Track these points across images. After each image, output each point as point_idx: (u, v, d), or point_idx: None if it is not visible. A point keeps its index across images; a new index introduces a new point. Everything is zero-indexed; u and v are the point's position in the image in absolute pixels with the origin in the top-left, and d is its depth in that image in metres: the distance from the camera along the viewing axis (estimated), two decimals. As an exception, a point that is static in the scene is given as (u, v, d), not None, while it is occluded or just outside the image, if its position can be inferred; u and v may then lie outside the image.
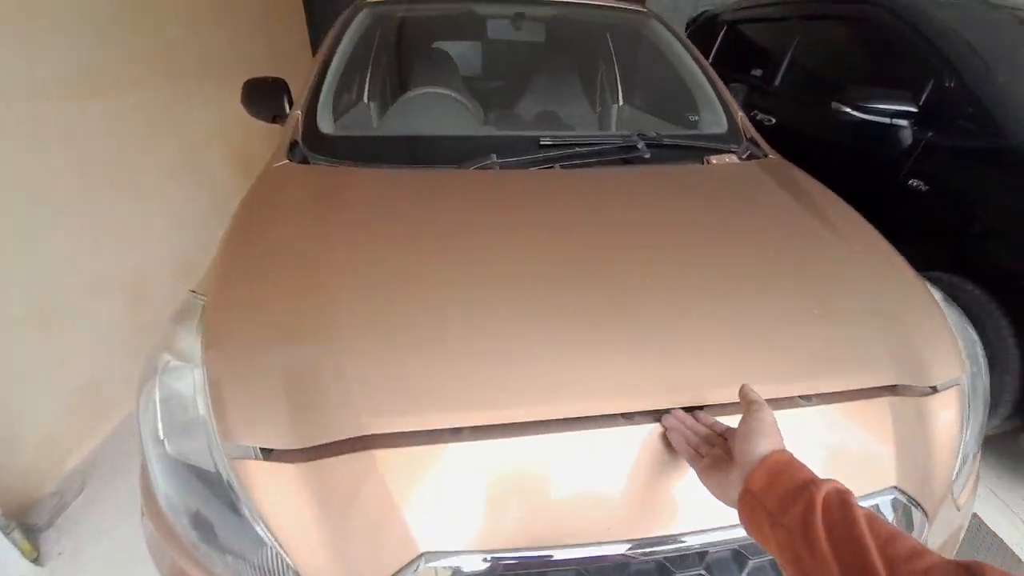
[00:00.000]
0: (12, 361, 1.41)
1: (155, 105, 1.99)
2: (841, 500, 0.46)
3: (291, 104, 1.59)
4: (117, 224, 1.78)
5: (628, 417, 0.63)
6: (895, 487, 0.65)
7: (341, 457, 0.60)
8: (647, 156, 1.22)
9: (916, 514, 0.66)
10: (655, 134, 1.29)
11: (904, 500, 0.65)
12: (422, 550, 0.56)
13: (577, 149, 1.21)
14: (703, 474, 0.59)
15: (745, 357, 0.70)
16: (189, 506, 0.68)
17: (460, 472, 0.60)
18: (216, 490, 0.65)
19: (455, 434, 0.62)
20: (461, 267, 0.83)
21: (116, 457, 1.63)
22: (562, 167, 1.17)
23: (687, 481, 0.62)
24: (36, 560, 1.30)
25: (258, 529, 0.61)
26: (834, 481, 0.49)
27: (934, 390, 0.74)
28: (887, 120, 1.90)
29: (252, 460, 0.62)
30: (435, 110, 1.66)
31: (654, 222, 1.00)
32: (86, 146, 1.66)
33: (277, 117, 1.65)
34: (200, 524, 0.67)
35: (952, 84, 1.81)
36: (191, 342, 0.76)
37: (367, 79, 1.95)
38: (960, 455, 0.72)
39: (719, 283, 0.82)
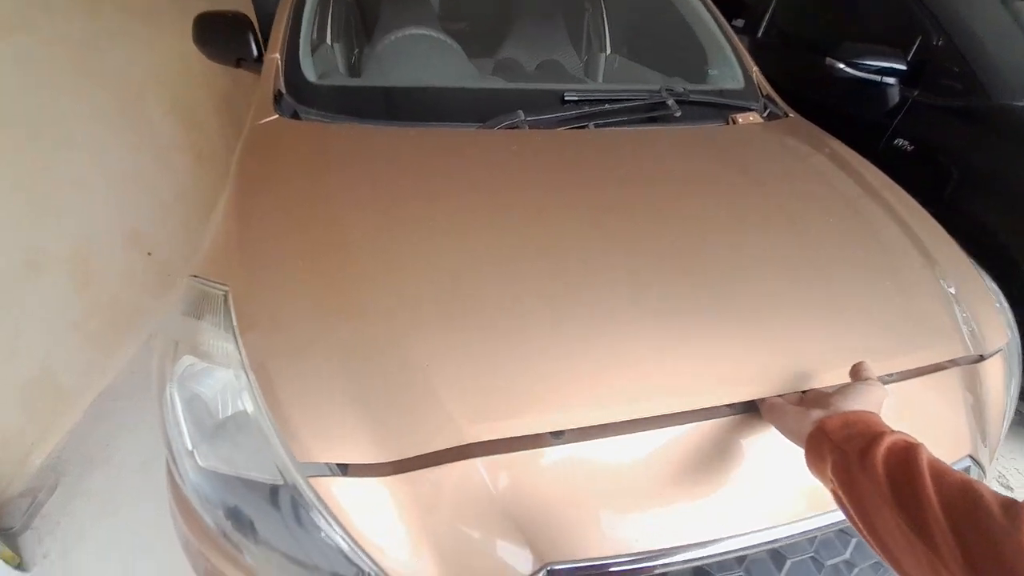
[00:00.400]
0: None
1: (77, 42, 1.65)
2: (907, 444, 0.46)
3: (259, 45, 1.37)
4: (51, 186, 1.51)
5: (731, 407, 0.61)
6: (969, 456, 0.68)
7: (437, 468, 0.54)
8: (677, 114, 1.15)
9: (984, 479, 0.70)
10: (683, 89, 1.22)
11: (976, 467, 0.69)
12: (545, 562, 0.52)
13: (607, 106, 1.12)
14: (776, 409, 0.58)
15: (831, 337, 0.69)
16: (236, 518, 0.61)
17: (568, 477, 0.56)
18: (275, 503, 0.59)
19: (557, 437, 0.57)
20: (523, 247, 0.75)
21: (86, 448, 1.47)
22: (596, 126, 1.09)
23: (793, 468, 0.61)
24: (20, 566, 1.17)
25: (343, 546, 0.55)
26: (909, 436, 0.48)
27: (981, 358, 0.77)
28: (876, 78, 1.92)
29: (328, 477, 0.55)
30: (429, 56, 1.48)
31: (707, 195, 0.94)
32: (4, 89, 1.36)
33: (242, 61, 1.42)
34: (253, 535, 0.60)
35: (939, 43, 1.84)
36: (220, 341, 0.65)
37: (339, 16, 1.71)
38: (1006, 417, 0.77)
39: (791, 262, 0.79)
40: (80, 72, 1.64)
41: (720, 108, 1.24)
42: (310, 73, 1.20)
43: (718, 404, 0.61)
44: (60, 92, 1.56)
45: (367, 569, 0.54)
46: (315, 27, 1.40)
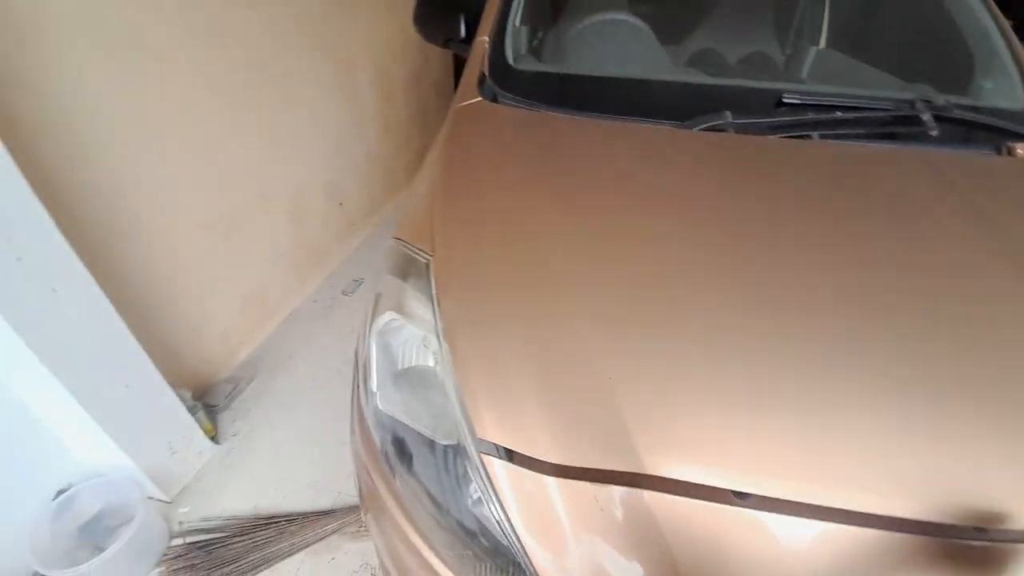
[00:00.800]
0: (203, 263, 1.53)
1: (310, 15, 1.93)
2: None
3: (469, 29, 1.45)
4: (279, 134, 1.82)
5: (981, 532, 0.49)
6: None
7: (604, 487, 0.53)
8: (933, 133, 0.93)
9: None
10: (945, 102, 0.99)
11: None
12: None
13: (838, 114, 0.96)
14: None
15: None
16: (399, 447, 0.68)
17: (746, 547, 0.51)
18: (434, 451, 0.64)
19: (741, 498, 0.52)
20: (733, 273, 0.69)
21: (278, 355, 1.79)
22: (821, 137, 0.94)
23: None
24: (214, 438, 1.48)
25: (494, 515, 0.57)
26: None
27: None
28: None
29: (495, 457, 0.58)
30: (625, 44, 1.42)
31: (973, 249, 0.76)
32: (253, 46, 1.64)
33: (450, 41, 1.52)
34: (408, 466, 0.67)
35: None
36: (419, 304, 0.72)
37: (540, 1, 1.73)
38: None
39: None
40: (309, 41, 1.92)
41: (993, 132, 0.98)
42: (511, 57, 1.23)
43: (964, 526, 0.49)
44: (294, 55, 1.84)
45: (514, 548, 0.56)
46: (520, 11, 1.43)
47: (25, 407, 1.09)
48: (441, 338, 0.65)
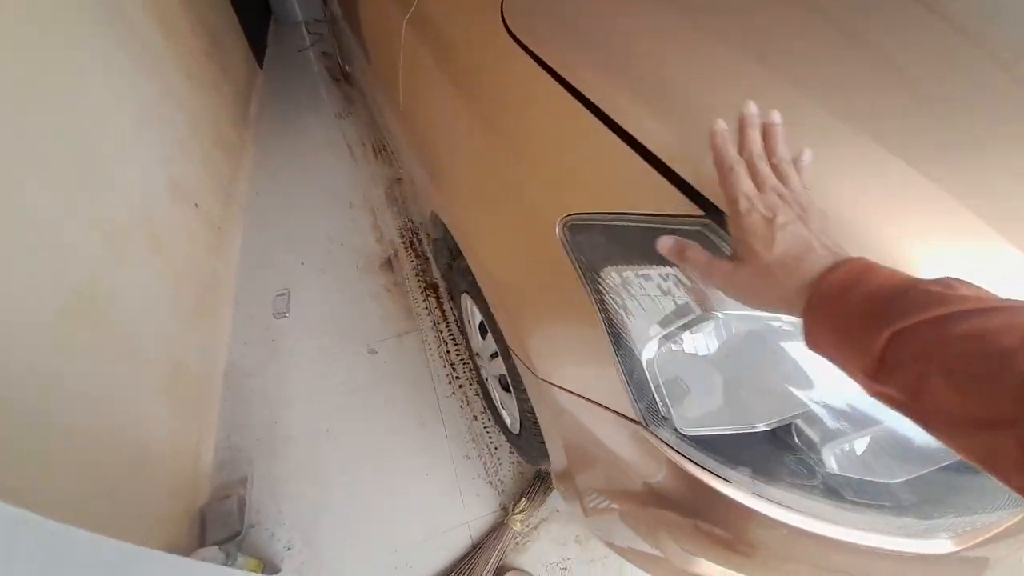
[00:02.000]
0: (87, 371, 0.95)
1: None
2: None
3: None
4: (93, 153, 1.10)
5: None
6: None
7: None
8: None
9: None
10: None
11: None
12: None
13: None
14: (699, 261, 0.46)
15: None
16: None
17: None
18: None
19: None
20: None
21: (254, 430, 1.31)
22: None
23: None
24: (266, 570, 1.09)
25: None
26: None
27: None
28: None
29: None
30: None
31: None
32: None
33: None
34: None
35: None
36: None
37: None
38: None
39: None
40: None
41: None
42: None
43: None
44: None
45: None
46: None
47: None
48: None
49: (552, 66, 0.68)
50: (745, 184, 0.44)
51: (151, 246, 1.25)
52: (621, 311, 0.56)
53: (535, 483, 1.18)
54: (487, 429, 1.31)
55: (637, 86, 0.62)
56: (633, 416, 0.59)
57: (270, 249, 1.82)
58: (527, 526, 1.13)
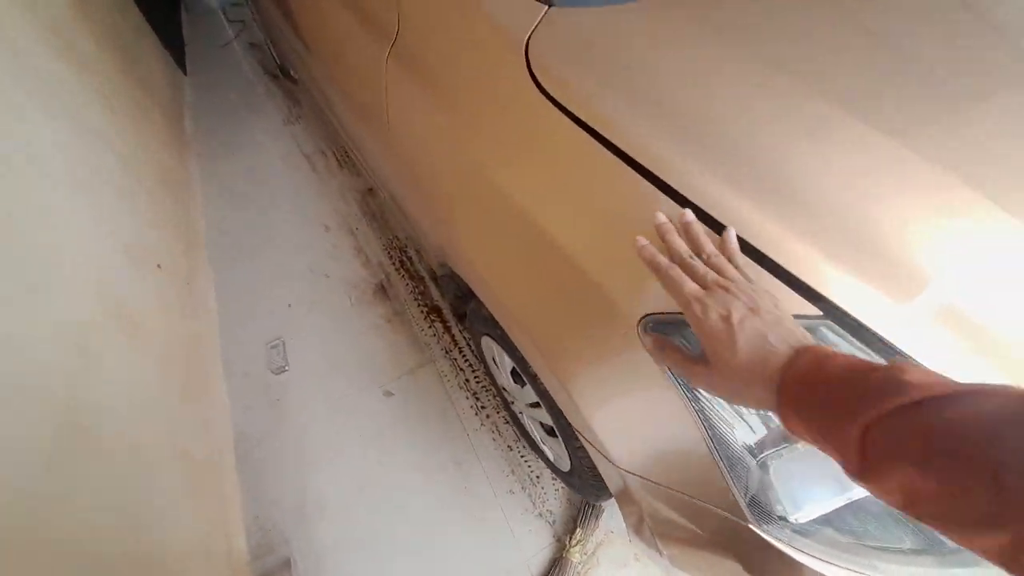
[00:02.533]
0: (92, 488, 0.84)
1: None
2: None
3: None
4: (29, 249, 0.93)
5: None
6: None
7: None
8: None
9: None
10: None
11: None
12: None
13: None
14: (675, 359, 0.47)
15: None
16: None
17: None
18: None
19: None
20: None
21: (282, 509, 1.24)
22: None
23: None
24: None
25: None
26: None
27: None
28: None
29: None
30: None
31: None
32: None
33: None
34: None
35: None
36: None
37: None
38: None
39: None
40: None
41: None
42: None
43: None
44: None
45: None
46: None
47: None
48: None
49: (607, 137, 0.58)
50: (688, 286, 0.44)
51: (125, 331, 1.11)
52: (723, 424, 0.51)
53: (585, 508, 1.17)
54: (524, 458, 1.28)
55: (707, 159, 0.53)
56: (742, 516, 0.55)
57: (249, 294, 1.67)
58: (585, 554, 1.13)
